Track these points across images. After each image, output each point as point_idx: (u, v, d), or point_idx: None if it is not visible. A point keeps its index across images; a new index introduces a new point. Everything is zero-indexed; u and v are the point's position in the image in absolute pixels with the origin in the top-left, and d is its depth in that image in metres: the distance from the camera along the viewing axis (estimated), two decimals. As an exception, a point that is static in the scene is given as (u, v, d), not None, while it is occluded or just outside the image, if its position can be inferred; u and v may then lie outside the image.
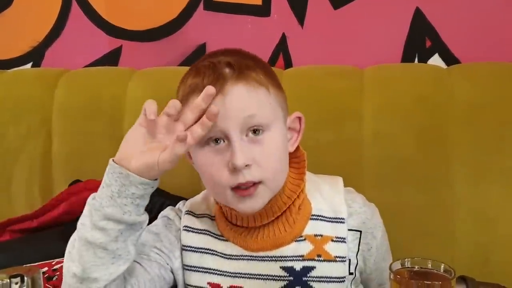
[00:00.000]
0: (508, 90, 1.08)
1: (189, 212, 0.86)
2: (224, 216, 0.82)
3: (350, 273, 0.80)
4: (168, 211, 0.89)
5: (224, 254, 0.81)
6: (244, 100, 0.73)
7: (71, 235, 1.14)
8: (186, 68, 1.32)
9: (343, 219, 0.80)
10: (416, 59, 1.22)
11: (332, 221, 0.80)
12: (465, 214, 1.06)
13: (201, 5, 1.34)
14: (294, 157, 0.82)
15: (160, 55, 1.38)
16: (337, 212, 0.80)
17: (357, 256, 0.81)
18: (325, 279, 0.78)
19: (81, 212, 1.17)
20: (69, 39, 1.45)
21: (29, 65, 1.50)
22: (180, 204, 0.89)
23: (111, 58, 1.42)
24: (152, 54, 1.39)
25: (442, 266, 0.65)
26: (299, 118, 0.82)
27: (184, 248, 0.83)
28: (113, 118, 1.27)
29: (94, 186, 1.20)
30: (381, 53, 1.23)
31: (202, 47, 1.35)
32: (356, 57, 1.24)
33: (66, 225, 1.19)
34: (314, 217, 0.80)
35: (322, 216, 0.80)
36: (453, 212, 1.06)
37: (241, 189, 0.74)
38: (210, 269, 0.81)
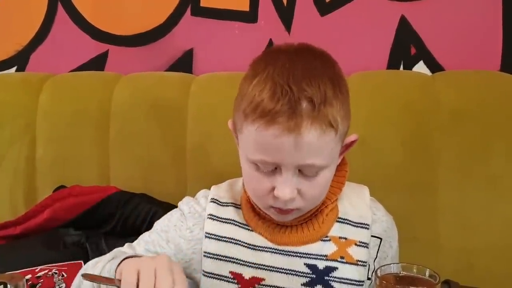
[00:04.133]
0: (492, 98, 1.09)
1: (214, 200, 0.85)
2: (252, 206, 0.82)
3: (368, 278, 0.81)
4: (184, 205, 0.87)
5: (249, 244, 0.81)
6: (311, 147, 0.70)
7: (55, 242, 1.14)
8: (174, 74, 1.34)
9: (368, 225, 0.81)
10: (401, 66, 1.24)
11: (357, 226, 0.81)
12: (450, 220, 1.07)
13: (189, 11, 1.34)
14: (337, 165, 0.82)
15: (147, 60, 1.37)
16: (362, 217, 0.82)
17: (374, 262, 0.82)
18: (345, 281, 0.79)
19: (66, 218, 1.17)
20: (54, 44, 1.44)
21: (13, 69, 1.48)
22: (201, 194, 0.88)
23: (97, 63, 1.41)
24: (139, 59, 1.38)
25: (427, 272, 0.65)
26: (353, 140, 0.80)
27: (207, 236, 0.82)
28: (98, 123, 1.27)
29: (79, 192, 1.20)
30: (367, 60, 1.24)
31: (189, 52, 1.35)
32: (342, 63, 1.23)
33: (50, 232, 1.17)
34: (341, 220, 0.81)
35: (348, 220, 0.81)
36: (438, 218, 1.07)
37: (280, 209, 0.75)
38: (233, 258, 0.80)
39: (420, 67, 1.22)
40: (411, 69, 1.23)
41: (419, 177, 1.08)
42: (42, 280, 1.01)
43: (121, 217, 1.15)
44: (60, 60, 1.43)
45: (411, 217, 1.07)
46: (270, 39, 1.29)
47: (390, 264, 0.67)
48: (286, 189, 0.71)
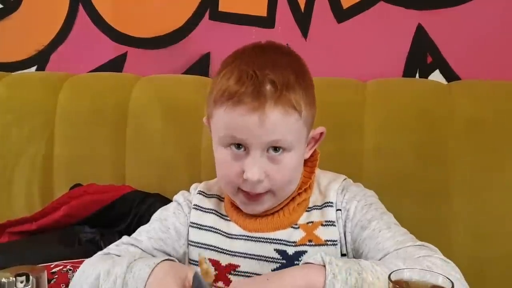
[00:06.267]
0: (507, 108, 1.09)
1: (201, 192, 0.90)
2: (231, 199, 0.86)
3: (343, 255, 0.82)
4: (179, 196, 0.92)
5: (226, 233, 0.85)
6: (276, 126, 0.75)
7: (70, 239, 1.16)
8: (190, 77, 1.35)
9: (331, 202, 0.84)
10: (417, 75, 1.24)
11: (322, 208, 0.84)
12: (462, 228, 1.07)
13: (207, 15, 1.36)
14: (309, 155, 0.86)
15: (164, 62, 1.39)
16: (326, 197, 0.84)
17: (341, 233, 0.82)
18: None
19: (81, 215, 1.19)
20: (74, 44, 1.47)
21: (33, 69, 1.51)
22: (192, 187, 0.93)
23: (116, 64, 1.44)
24: (157, 62, 1.40)
25: (440, 278, 0.66)
26: (321, 133, 0.85)
27: (191, 225, 0.87)
28: (116, 124, 1.29)
29: (95, 190, 1.22)
30: (383, 67, 1.25)
31: (207, 56, 1.37)
32: (359, 70, 1.26)
33: (66, 229, 1.19)
34: (309, 209, 0.85)
35: (316, 205, 0.85)
36: (451, 226, 1.07)
37: (249, 193, 0.79)
38: (211, 245, 0.85)
39: (436, 76, 1.23)
40: (427, 78, 1.23)
41: (432, 185, 1.08)
42: (56, 276, 1.02)
43: (136, 216, 1.17)
44: (79, 61, 1.46)
45: (423, 225, 1.06)
46: (287, 45, 1.30)
47: (403, 269, 0.67)
48: (254, 169, 0.76)
